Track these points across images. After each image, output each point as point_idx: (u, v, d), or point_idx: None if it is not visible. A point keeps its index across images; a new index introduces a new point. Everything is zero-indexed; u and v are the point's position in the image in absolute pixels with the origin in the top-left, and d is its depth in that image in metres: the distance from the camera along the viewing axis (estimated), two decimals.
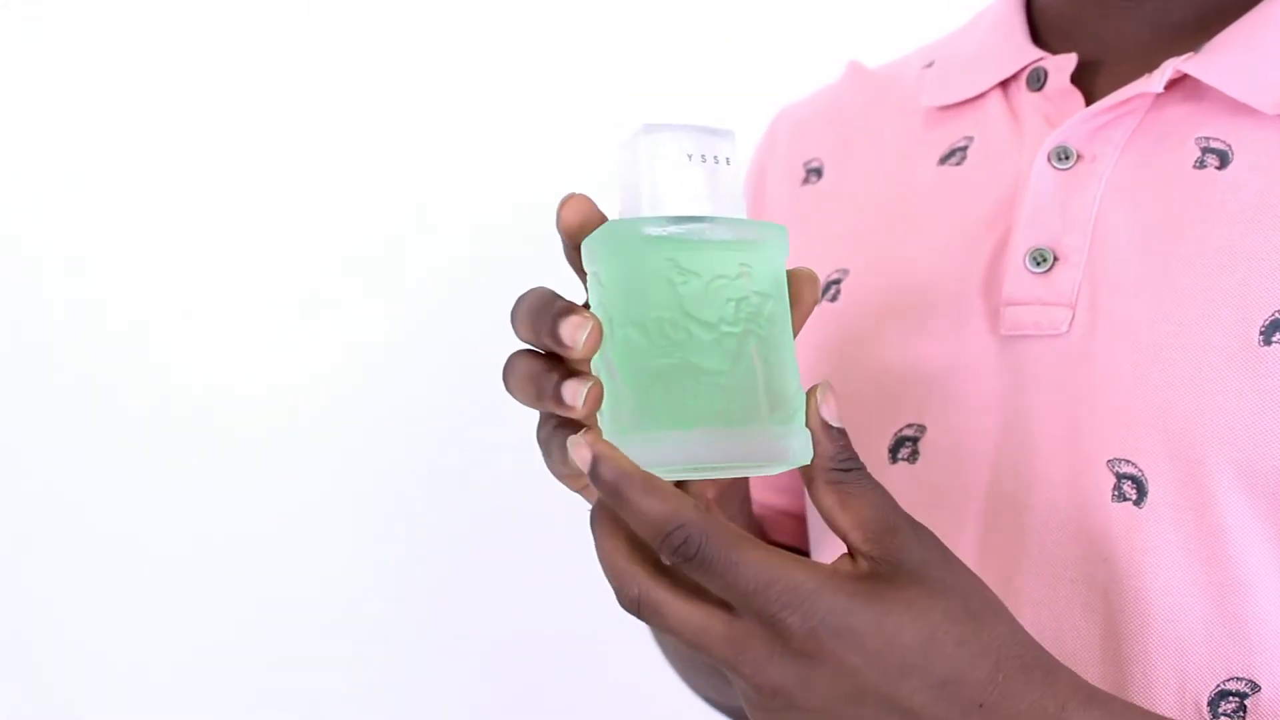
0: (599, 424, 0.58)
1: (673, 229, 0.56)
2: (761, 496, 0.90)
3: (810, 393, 0.57)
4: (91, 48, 1.37)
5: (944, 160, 0.79)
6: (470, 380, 1.39)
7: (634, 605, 0.55)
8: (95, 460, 1.39)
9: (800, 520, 0.91)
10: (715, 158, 0.58)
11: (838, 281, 0.80)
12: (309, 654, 1.43)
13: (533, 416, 0.76)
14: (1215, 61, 0.70)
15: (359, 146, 1.41)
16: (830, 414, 0.57)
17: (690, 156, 0.57)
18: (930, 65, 0.84)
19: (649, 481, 0.53)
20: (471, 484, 1.44)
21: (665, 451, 0.55)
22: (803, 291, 0.60)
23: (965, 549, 0.71)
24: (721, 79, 1.39)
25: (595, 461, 0.54)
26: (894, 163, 0.82)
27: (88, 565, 1.39)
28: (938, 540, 0.57)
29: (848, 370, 0.78)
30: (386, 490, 1.44)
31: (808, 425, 0.57)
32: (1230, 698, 0.66)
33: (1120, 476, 0.67)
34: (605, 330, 0.56)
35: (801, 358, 0.80)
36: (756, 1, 1.43)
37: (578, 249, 0.59)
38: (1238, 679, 0.66)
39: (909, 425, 0.75)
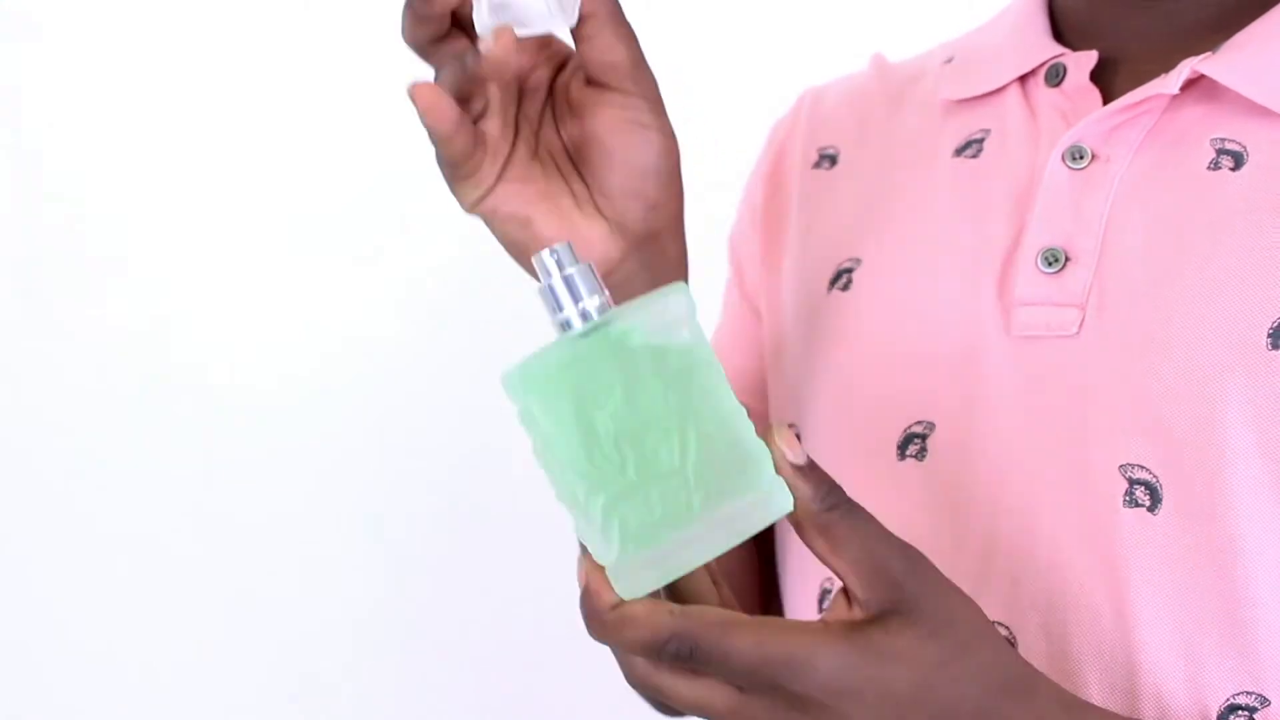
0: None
1: (572, 352, 0.56)
2: None
3: (768, 440, 0.57)
4: (90, 48, 1.37)
5: (959, 152, 0.78)
6: (473, 374, 1.38)
7: (639, 689, 0.59)
8: (96, 458, 1.39)
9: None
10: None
11: (850, 270, 0.80)
12: (310, 650, 1.43)
13: None
14: (1232, 63, 0.70)
15: (360, 145, 1.40)
16: (795, 455, 0.57)
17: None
18: (950, 60, 0.84)
19: (621, 623, 0.56)
20: (472, 483, 1.44)
21: (647, 574, 0.56)
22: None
23: (970, 550, 0.71)
24: (722, 83, 1.39)
25: (582, 595, 0.57)
26: (910, 153, 0.82)
27: (88, 564, 1.38)
28: (929, 568, 0.58)
29: (859, 362, 0.77)
30: (387, 489, 1.43)
31: (778, 473, 0.57)
32: (1240, 711, 0.65)
33: (1133, 482, 0.67)
34: (549, 469, 0.57)
35: (811, 346, 0.80)
36: (758, 5, 1.43)
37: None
38: (1248, 693, 0.65)
39: (918, 422, 0.74)
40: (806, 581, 0.78)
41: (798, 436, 0.70)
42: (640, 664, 0.58)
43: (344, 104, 1.40)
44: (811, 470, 0.57)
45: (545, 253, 0.57)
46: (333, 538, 1.42)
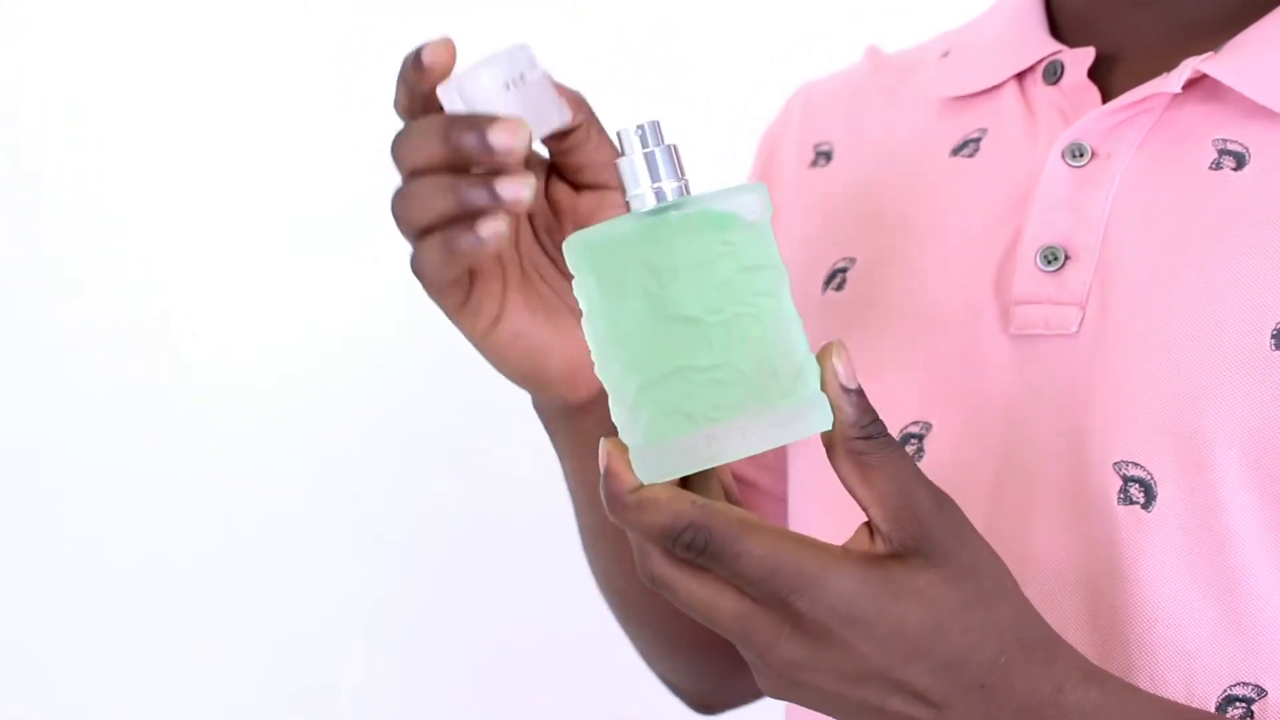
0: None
1: (639, 226, 0.55)
2: (741, 470, 0.88)
3: (823, 355, 0.56)
4: (91, 48, 1.37)
5: (956, 151, 0.78)
6: (473, 375, 1.38)
7: (650, 581, 0.57)
8: (95, 458, 1.39)
9: (779, 502, 0.90)
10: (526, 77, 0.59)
11: (844, 270, 0.80)
12: (310, 651, 1.43)
13: (532, 412, 0.75)
14: (1234, 62, 0.69)
15: (360, 145, 1.40)
16: (845, 376, 0.56)
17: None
18: (947, 54, 0.83)
19: (641, 505, 0.55)
20: (472, 483, 1.44)
21: (672, 460, 0.55)
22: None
23: None
24: (722, 83, 1.39)
25: (602, 476, 0.56)
26: (906, 151, 0.81)
27: (87, 564, 1.38)
28: (958, 514, 0.57)
29: (854, 362, 0.77)
30: (387, 489, 1.43)
31: (823, 390, 0.56)
32: (1238, 703, 0.65)
33: (1127, 479, 0.67)
34: (593, 341, 0.56)
35: None
36: (758, 5, 1.43)
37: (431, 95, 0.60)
38: (1245, 684, 0.65)
39: (914, 422, 0.74)
40: None
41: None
42: (655, 557, 0.57)
43: (344, 104, 1.40)
44: (859, 395, 0.56)
45: (630, 127, 0.56)
46: (332, 538, 1.42)
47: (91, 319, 1.38)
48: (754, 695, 0.99)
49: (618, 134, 0.57)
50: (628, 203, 0.56)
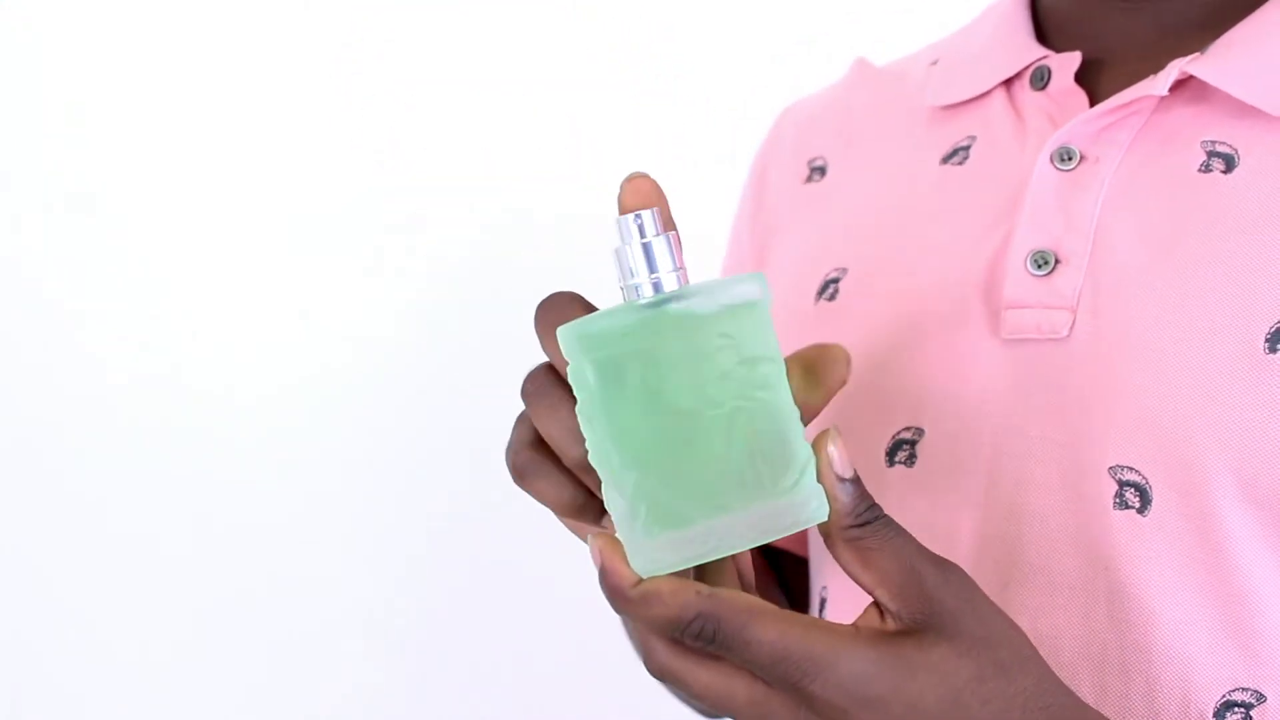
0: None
1: (638, 319, 0.54)
2: None
3: (818, 444, 0.56)
4: (91, 48, 1.37)
5: (946, 159, 0.78)
6: (474, 376, 1.39)
7: (659, 674, 0.57)
8: (96, 460, 1.39)
9: (802, 563, 0.90)
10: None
11: (836, 280, 0.79)
12: (310, 652, 1.43)
13: None
14: (1221, 63, 0.69)
15: (361, 148, 1.41)
16: (840, 466, 0.56)
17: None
18: (935, 63, 0.83)
19: (645, 598, 0.54)
20: (474, 485, 1.44)
21: (670, 554, 0.54)
22: (833, 371, 0.59)
23: (961, 555, 0.71)
24: (722, 83, 1.39)
25: (600, 573, 0.55)
26: (897, 161, 0.81)
27: (88, 565, 1.38)
28: (968, 583, 0.57)
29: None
30: (388, 491, 1.43)
31: (819, 481, 0.55)
32: (1236, 708, 0.65)
33: (1122, 484, 0.66)
34: (589, 430, 0.56)
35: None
36: (758, 5, 1.43)
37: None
38: (1243, 689, 0.65)
39: (906, 428, 0.74)
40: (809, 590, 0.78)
41: None
42: (661, 649, 0.56)
43: (344, 104, 1.40)
44: (855, 484, 0.56)
45: (630, 216, 0.55)
46: (333, 539, 1.42)
47: (92, 319, 1.38)
48: None
49: (616, 222, 0.56)
50: (623, 291, 0.56)
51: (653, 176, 0.58)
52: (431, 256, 1.41)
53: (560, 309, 0.58)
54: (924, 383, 0.73)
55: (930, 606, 0.55)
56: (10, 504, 1.38)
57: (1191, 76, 0.70)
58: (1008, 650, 0.56)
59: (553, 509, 0.62)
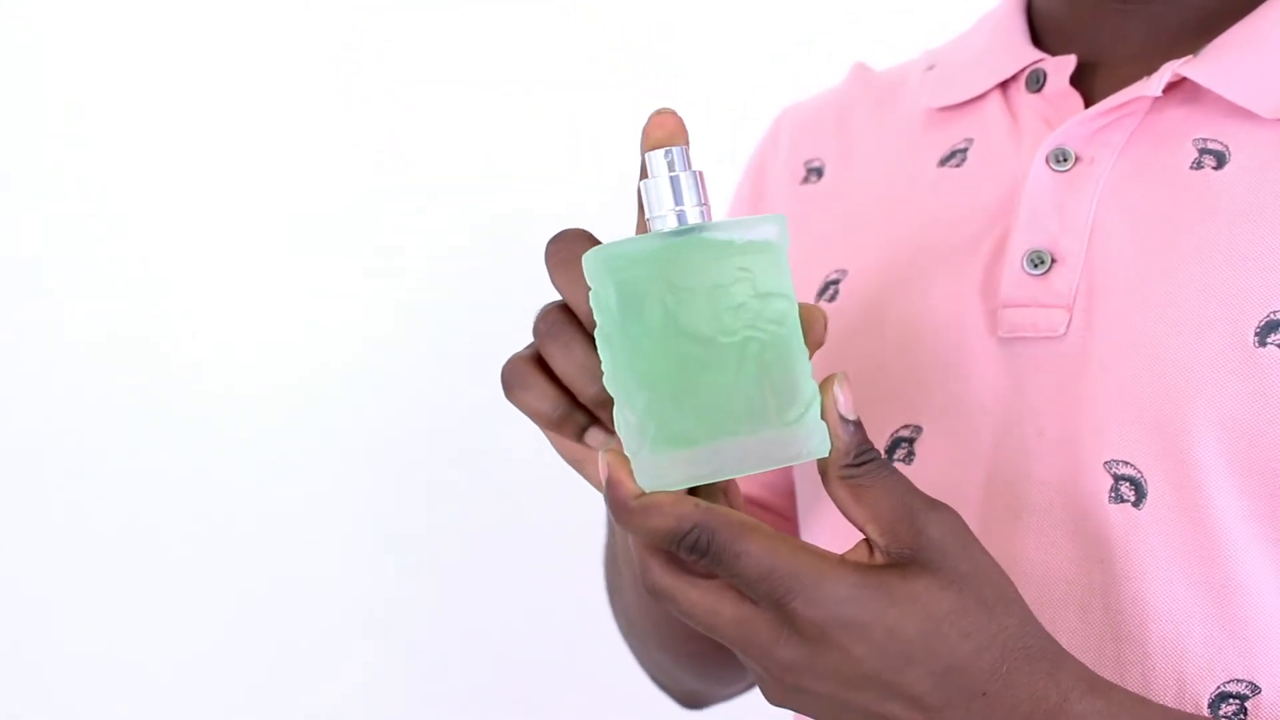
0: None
1: (661, 245, 0.56)
2: (751, 491, 0.90)
3: (825, 384, 0.57)
4: (91, 48, 1.37)
5: (944, 162, 0.79)
6: (474, 377, 1.39)
7: (652, 592, 0.59)
8: (95, 460, 1.39)
9: (789, 522, 0.91)
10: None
11: (836, 282, 0.80)
12: (310, 653, 1.43)
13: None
14: (1214, 65, 0.70)
15: (360, 148, 1.41)
16: (845, 407, 0.57)
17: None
18: (932, 68, 0.84)
19: (646, 509, 0.56)
20: (474, 485, 1.44)
21: (675, 470, 0.56)
22: (810, 331, 0.60)
23: None
24: (722, 83, 1.39)
25: (605, 485, 0.57)
26: (894, 164, 0.82)
27: (88, 566, 1.39)
28: (958, 524, 0.58)
29: (844, 370, 0.77)
30: (388, 492, 1.43)
31: (823, 419, 0.57)
32: (1230, 700, 0.66)
33: (1118, 478, 0.67)
34: (607, 352, 0.58)
35: None
36: (758, 5, 1.43)
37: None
38: (1238, 680, 0.65)
39: (905, 426, 0.74)
40: None
41: None
42: (656, 567, 0.58)
43: (344, 104, 1.41)
44: (857, 426, 0.57)
45: (659, 151, 0.58)
46: (333, 540, 1.43)
47: (92, 319, 1.38)
48: (739, 691, 1.00)
49: (646, 157, 0.58)
50: (649, 222, 0.58)
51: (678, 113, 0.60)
52: (431, 256, 1.41)
53: (571, 243, 0.61)
54: (923, 381, 0.74)
55: (917, 540, 0.56)
56: (10, 504, 1.38)
57: (1184, 78, 0.71)
58: (991, 589, 0.57)
59: (537, 421, 0.64)
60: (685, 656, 0.92)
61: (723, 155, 1.17)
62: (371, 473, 1.43)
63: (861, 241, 0.80)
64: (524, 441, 1.31)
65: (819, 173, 0.86)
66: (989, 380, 0.72)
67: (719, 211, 0.99)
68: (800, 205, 0.86)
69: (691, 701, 1.01)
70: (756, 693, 1.03)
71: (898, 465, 0.74)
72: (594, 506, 0.95)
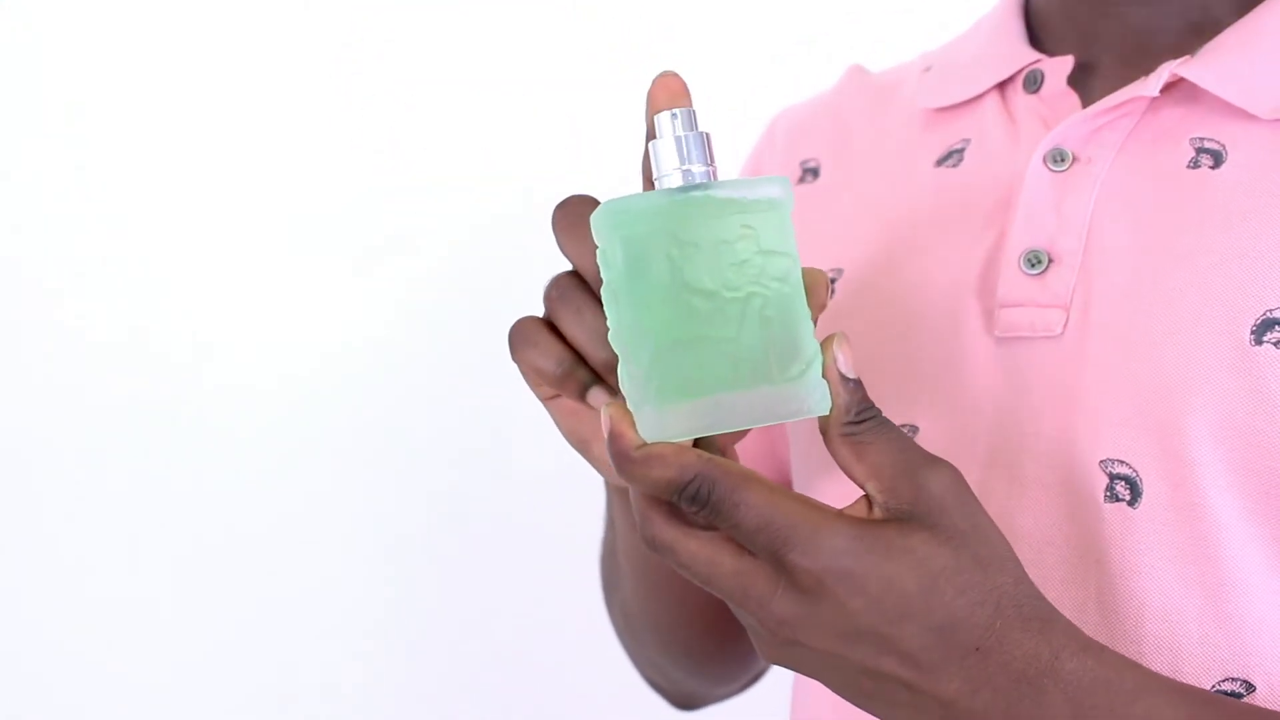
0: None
1: (668, 201, 0.57)
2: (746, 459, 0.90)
3: (827, 343, 0.58)
4: (90, 49, 1.37)
5: (941, 162, 0.79)
6: (472, 377, 1.39)
7: (651, 545, 0.59)
8: (94, 461, 1.39)
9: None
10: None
11: (832, 281, 0.80)
12: (310, 654, 1.43)
13: (539, 412, 0.76)
14: (1211, 66, 0.70)
15: (358, 149, 1.41)
16: (845, 366, 0.58)
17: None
18: (929, 70, 0.84)
19: (648, 459, 0.57)
20: (472, 486, 1.44)
21: (677, 422, 0.57)
22: (814, 295, 0.61)
23: None
24: (722, 83, 1.39)
25: (608, 437, 0.58)
26: (891, 164, 0.82)
27: (87, 567, 1.39)
28: (959, 481, 0.58)
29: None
30: (386, 493, 1.43)
31: (824, 377, 0.58)
32: (1226, 698, 0.66)
33: (1113, 477, 0.67)
34: (612, 307, 0.58)
35: None
36: (758, 5, 1.43)
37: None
38: (1232, 679, 0.66)
39: (901, 425, 0.74)
40: None
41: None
42: (656, 519, 0.58)
43: (344, 104, 1.41)
44: (857, 384, 0.58)
45: (667, 113, 0.59)
46: (333, 539, 1.43)
47: (92, 320, 1.38)
48: (733, 692, 1.00)
49: (654, 119, 0.59)
50: (656, 182, 0.59)
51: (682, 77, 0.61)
52: (431, 256, 1.41)
53: (577, 207, 0.63)
54: (919, 381, 0.74)
55: (916, 495, 0.57)
56: (9, 503, 1.38)
57: (1182, 79, 0.71)
58: (988, 548, 0.58)
59: (539, 385, 0.65)
60: (682, 651, 0.92)
61: (722, 155, 1.17)
62: (371, 473, 1.43)
63: (857, 241, 0.81)
64: (524, 441, 1.31)
65: (815, 173, 0.86)
66: (985, 379, 0.72)
67: None
68: (796, 205, 0.86)
69: (686, 702, 1.01)
70: (755, 692, 1.05)
71: None
72: (594, 506, 0.95)
